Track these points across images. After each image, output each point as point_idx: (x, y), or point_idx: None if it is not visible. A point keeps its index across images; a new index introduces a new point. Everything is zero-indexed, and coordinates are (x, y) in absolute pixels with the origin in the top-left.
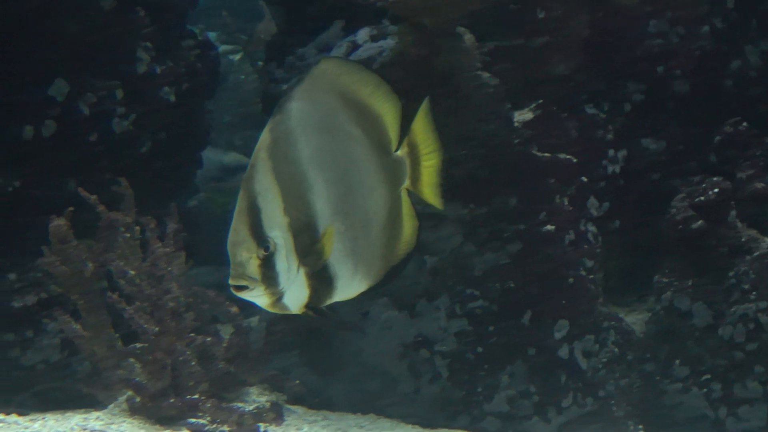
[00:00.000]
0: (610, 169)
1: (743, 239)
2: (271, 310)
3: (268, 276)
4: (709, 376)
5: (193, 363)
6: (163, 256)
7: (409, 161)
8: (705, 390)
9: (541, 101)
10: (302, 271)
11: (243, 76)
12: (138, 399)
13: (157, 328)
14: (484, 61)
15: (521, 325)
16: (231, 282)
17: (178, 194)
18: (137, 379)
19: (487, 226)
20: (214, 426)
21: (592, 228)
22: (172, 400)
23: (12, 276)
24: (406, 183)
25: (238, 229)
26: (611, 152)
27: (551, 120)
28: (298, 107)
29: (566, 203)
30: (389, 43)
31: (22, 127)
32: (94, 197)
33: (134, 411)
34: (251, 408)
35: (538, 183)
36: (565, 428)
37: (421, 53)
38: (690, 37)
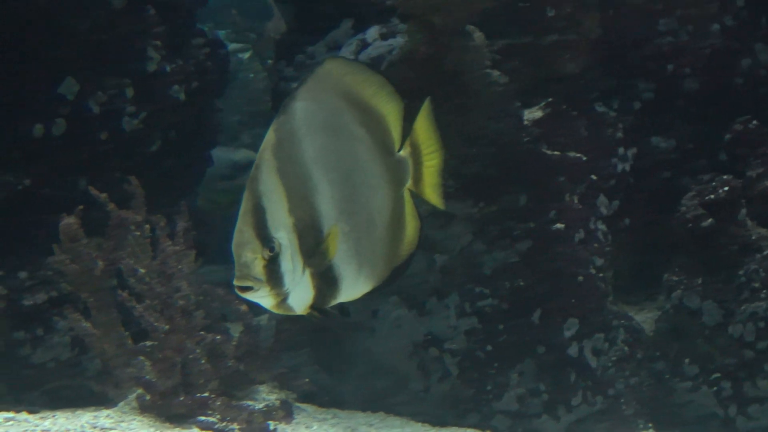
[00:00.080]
0: (620, 167)
1: (753, 237)
2: (275, 311)
3: (273, 277)
4: (719, 375)
5: (203, 361)
6: (173, 254)
7: (412, 161)
8: (715, 388)
9: (550, 99)
10: (307, 271)
11: (252, 75)
12: (148, 397)
13: (167, 326)
14: (494, 60)
15: (531, 324)
16: (236, 283)
17: (188, 192)
18: (147, 377)
19: (497, 225)
20: (224, 424)
21: (601, 226)
22: (182, 398)
23: (23, 274)
24: (409, 183)
25: (243, 230)
26: (621, 150)
27: (561, 118)
28: (302, 107)
29: (576, 201)
30: (399, 41)
31: (32, 126)
32: (104, 195)
33: (144, 409)
34: (261, 406)
35: (548, 181)
36: (574, 426)
37: (431, 51)
38: (700, 35)
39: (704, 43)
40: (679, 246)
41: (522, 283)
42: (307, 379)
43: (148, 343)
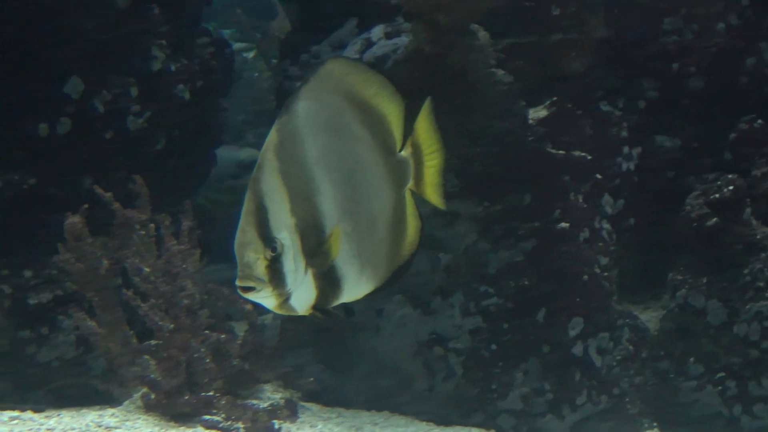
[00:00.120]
0: (624, 166)
1: (758, 237)
2: (277, 311)
3: (276, 277)
4: (723, 374)
5: (208, 360)
6: (177, 253)
7: (413, 161)
8: (719, 388)
9: (555, 98)
10: (309, 272)
11: (257, 74)
12: (153, 396)
13: (171, 325)
14: (499, 59)
15: (536, 323)
16: (238, 283)
17: (192, 191)
18: (152, 376)
19: (502, 224)
20: (229, 423)
21: (606, 225)
22: (186, 397)
23: (27, 273)
24: (410, 183)
25: (246, 230)
26: (626, 149)
27: (566, 117)
28: (304, 107)
29: (581, 201)
30: (403, 40)
31: (37, 125)
32: (109, 195)
33: (149, 408)
34: (266, 405)
35: (553, 180)
36: (579, 426)
37: (436, 51)
38: (705, 34)
39: (709, 42)
40: (683, 245)
41: (527, 283)
42: (311, 378)
43: (153, 342)
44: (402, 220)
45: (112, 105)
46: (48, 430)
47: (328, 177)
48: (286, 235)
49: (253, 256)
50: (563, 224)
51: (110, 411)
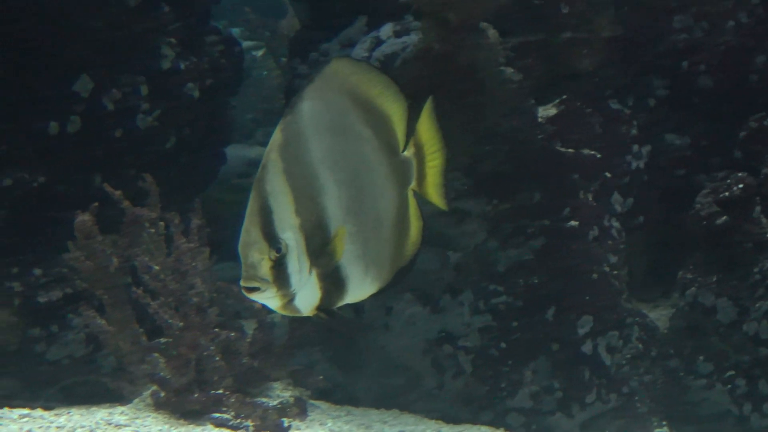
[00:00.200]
0: (634, 164)
1: None
2: (282, 312)
3: (280, 277)
4: (733, 372)
5: (217, 358)
6: (187, 251)
7: (416, 161)
8: (729, 386)
9: (565, 97)
10: (314, 272)
11: (266, 72)
12: (162, 394)
13: (181, 323)
14: (508, 57)
15: (545, 321)
16: (242, 284)
17: (202, 190)
18: (162, 374)
19: (511, 222)
20: (238, 421)
21: (616, 224)
22: (196, 395)
23: (37, 271)
24: (413, 183)
25: (250, 230)
26: (635, 148)
27: (575, 115)
28: (309, 107)
29: (590, 199)
30: (413, 38)
31: (47, 123)
32: (118, 193)
33: (159, 406)
34: (275, 403)
35: (562, 179)
36: (588, 424)
37: (445, 49)
38: (715, 32)
39: (719, 40)
40: (693, 243)
41: (536, 281)
42: (321, 377)
43: (163, 340)
44: (405, 221)
45: (121, 103)
46: (58, 427)
47: (332, 177)
48: (291, 235)
49: (257, 257)
50: (572, 222)
51: (120, 409)
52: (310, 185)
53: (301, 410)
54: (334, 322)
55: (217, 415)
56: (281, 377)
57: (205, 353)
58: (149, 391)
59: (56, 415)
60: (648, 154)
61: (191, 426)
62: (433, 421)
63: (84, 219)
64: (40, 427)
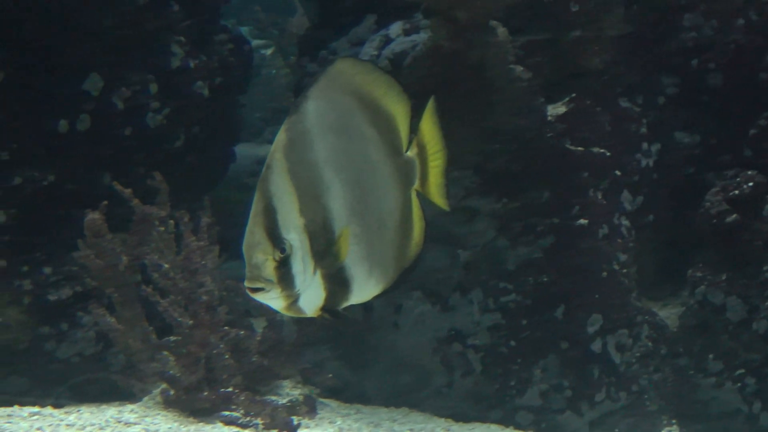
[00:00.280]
0: (643, 162)
1: None
2: (286, 312)
3: (284, 278)
4: (743, 371)
5: (227, 356)
6: (196, 249)
7: (418, 162)
8: (739, 384)
9: (574, 95)
10: (318, 273)
11: (275, 71)
12: (172, 392)
13: (191, 322)
14: (518, 55)
15: (554, 319)
16: (247, 284)
17: (211, 188)
18: (171, 372)
19: (521, 220)
20: (248, 419)
21: (625, 222)
22: (205, 393)
23: (47, 269)
24: (416, 184)
25: (254, 231)
26: (645, 146)
27: (585, 114)
28: (314, 107)
29: (600, 197)
30: (422, 37)
31: (57, 122)
32: (128, 191)
33: (168, 404)
34: (285, 401)
35: (572, 177)
36: (598, 422)
37: (454, 47)
38: (724, 30)
39: (728, 39)
40: (703, 242)
41: (545, 279)
42: (330, 375)
43: (172, 338)
44: (409, 221)
45: (131, 102)
46: (68, 425)
47: (337, 177)
48: (295, 236)
49: (261, 257)
50: (582, 221)
51: (130, 407)
52: (315, 185)
53: (310, 408)
54: (339, 322)
55: (227, 413)
56: (291, 375)
57: (214, 351)
58: (159, 389)
59: (66, 413)
60: (657, 153)
61: (201, 424)
62: (443, 419)
63: (94, 217)
64: (50, 425)
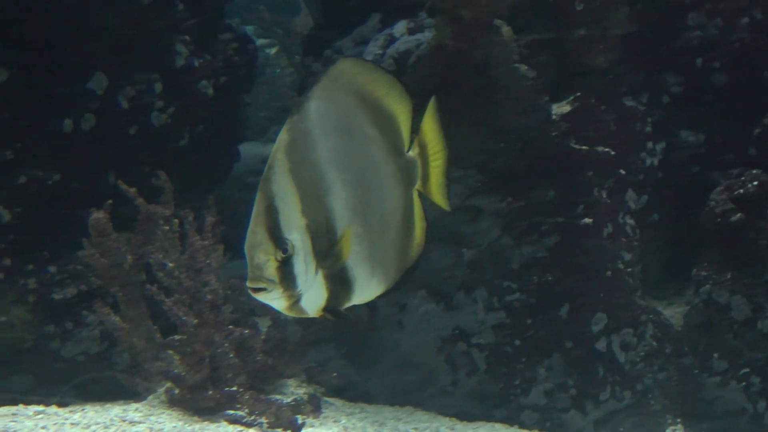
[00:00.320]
0: (648, 161)
1: None
2: (288, 313)
3: (286, 278)
4: (747, 370)
5: (231, 355)
6: (201, 248)
7: (420, 161)
8: (743, 383)
9: (579, 94)
10: (320, 273)
11: (279, 70)
12: (177, 391)
13: (195, 321)
14: (522, 54)
15: (559, 318)
16: (249, 284)
17: (216, 187)
18: (176, 371)
19: (525, 219)
20: (252, 418)
21: (630, 221)
22: (210, 392)
23: (52, 268)
24: (417, 183)
25: (256, 231)
26: (650, 145)
27: (589, 113)
28: (316, 107)
29: (604, 196)
30: (426, 35)
31: (61, 121)
32: (133, 190)
33: (173, 402)
34: (289, 400)
35: (576, 176)
36: (602, 421)
37: (459, 46)
38: (729, 29)
39: (733, 37)
40: (707, 241)
41: (550, 278)
42: (335, 374)
43: (177, 337)
44: (411, 221)
45: (136, 101)
46: (72, 424)
47: (339, 177)
48: (297, 236)
49: (263, 258)
50: (587, 220)
51: (134, 406)
52: (317, 185)
53: (315, 407)
54: (341, 323)
55: (231, 412)
56: (295, 374)
57: (219, 350)
58: (163, 388)
59: (71, 411)
60: (662, 152)
61: (205, 423)
62: (447, 418)
63: (98, 216)
64: (55, 424)
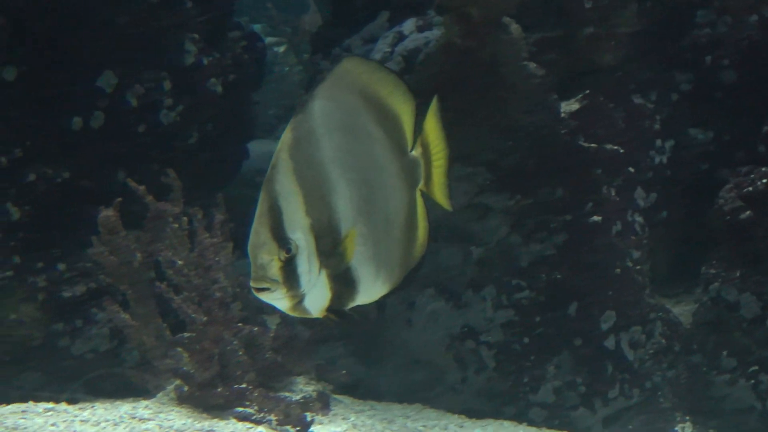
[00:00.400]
0: (657, 159)
1: None
2: (291, 313)
3: (290, 278)
4: (756, 368)
5: (241, 353)
6: (210, 246)
7: (423, 161)
8: (752, 381)
9: (587, 92)
10: (324, 273)
11: (287, 68)
12: (186, 388)
13: (204, 318)
14: (531, 52)
15: (568, 316)
16: (252, 284)
17: (224, 185)
18: (185, 368)
19: (534, 217)
20: (261, 415)
21: (639, 219)
22: (219, 390)
23: (62, 266)
24: (420, 183)
25: (259, 231)
26: (658, 142)
27: (598, 110)
28: (320, 106)
29: (613, 194)
30: (435, 33)
31: (71, 119)
32: (142, 188)
33: (182, 400)
34: (298, 397)
35: (585, 174)
36: (611, 419)
37: (468, 44)
38: (738, 26)
39: (742, 35)
40: (716, 238)
41: (559, 276)
42: (344, 371)
43: (186, 334)
44: (414, 221)
45: (145, 99)
46: (82, 421)
47: (343, 177)
48: (301, 236)
49: (267, 257)
50: (595, 218)
51: (144, 403)
52: (321, 185)
53: (323, 405)
54: (344, 323)
55: (241, 409)
56: (304, 372)
57: (228, 348)
58: (173, 386)
59: (80, 408)
60: (671, 149)
61: (214, 420)
62: (456, 415)
63: (108, 214)
64: (64, 421)
